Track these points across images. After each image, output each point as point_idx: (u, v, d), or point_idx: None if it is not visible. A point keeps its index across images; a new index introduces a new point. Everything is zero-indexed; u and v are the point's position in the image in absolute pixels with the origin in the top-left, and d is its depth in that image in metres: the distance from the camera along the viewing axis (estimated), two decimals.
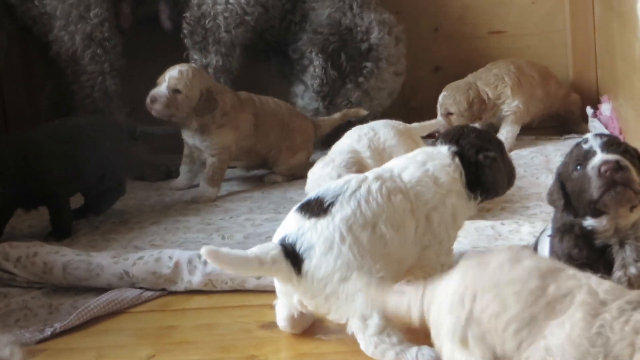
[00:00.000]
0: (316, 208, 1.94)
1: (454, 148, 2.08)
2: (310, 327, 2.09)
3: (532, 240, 2.31)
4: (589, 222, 1.86)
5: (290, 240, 1.90)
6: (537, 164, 3.19)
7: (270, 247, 1.90)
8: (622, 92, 3.05)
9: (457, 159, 2.07)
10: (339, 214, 1.91)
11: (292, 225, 1.94)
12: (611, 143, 1.87)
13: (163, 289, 2.39)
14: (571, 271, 1.66)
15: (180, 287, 2.37)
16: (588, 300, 1.56)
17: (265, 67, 3.56)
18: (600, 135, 1.91)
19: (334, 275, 1.87)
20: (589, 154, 1.85)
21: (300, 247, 1.89)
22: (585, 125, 3.46)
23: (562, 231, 1.93)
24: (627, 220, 1.87)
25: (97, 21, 3.38)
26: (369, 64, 3.43)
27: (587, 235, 1.87)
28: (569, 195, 1.90)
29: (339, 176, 2.36)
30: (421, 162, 2.06)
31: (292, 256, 1.88)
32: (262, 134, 3.25)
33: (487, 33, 3.70)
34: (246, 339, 2.11)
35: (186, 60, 3.49)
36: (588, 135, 1.91)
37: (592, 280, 1.62)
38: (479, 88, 3.38)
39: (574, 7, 3.63)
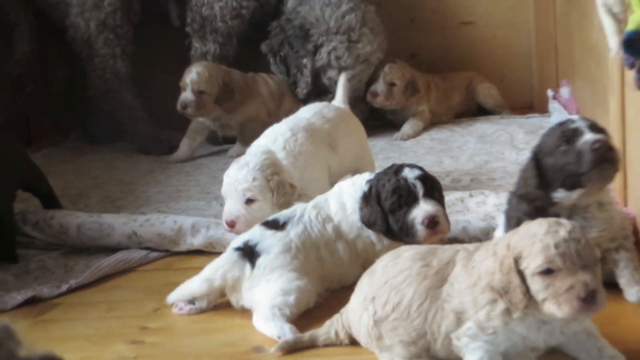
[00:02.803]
0: (274, 225, 2.04)
1: (364, 190, 2.08)
2: None
3: (496, 211, 2.31)
4: (559, 194, 1.85)
5: (252, 242, 2.00)
6: (503, 141, 3.19)
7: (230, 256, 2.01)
8: (580, 77, 3.05)
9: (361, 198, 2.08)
10: (293, 230, 2.02)
11: (256, 233, 2.03)
12: (597, 126, 1.85)
13: (167, 250, 2.39)
14: (445, 246, 1.73)
15: (183, 248, 2.38)
16: (464, 255, 1.64)
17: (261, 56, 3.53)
18: (584, 118, 1.90)
19: (288, 266, 1.97)
20: (577, 132, 1.83)
21: (260, 247, 1.99)
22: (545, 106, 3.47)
23: (523, 197, 1.92)
24: (591, 199, 1.88)
25: (110, 10, 3.37)
26: (313, 35, 3.34)
27: (545, 207, 1.86)
28: (543, 172, 1.88)
29: (254, 179, 2.27)
30: (338, 197, 2.11)
31: (250, 254, 1.98)
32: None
33: (458, 23, 3.70)
34: None
35: (188, 47, 3.49)
36: (573, 117, 1.91)
37: (465, 245, 1.71)
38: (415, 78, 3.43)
39: (537, 0, 3.63)
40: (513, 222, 1.87)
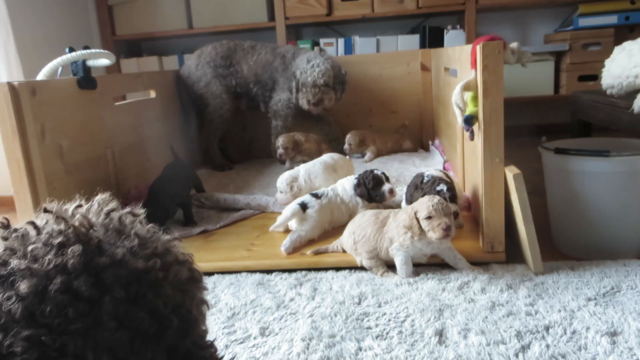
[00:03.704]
0: (316, 195, 1.99)
1: (355, 181, 2.05)
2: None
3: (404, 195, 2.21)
4: None
5: (305, 201, 1.95)
6: (409, 163, 3.10)
7: (294, 205, 1.96)
8: (444, 135, 3.02)
9: (354, 184, 2.04)
10: (324, 199, 1.97)
11: (308, 197, 1.98)
12: (441, 179, 1.80)
13: (262, 211, 2.37)
14: (385, 209, 1.71)
15: (269, 210, 2.36)
16: (394, 214, 1.62)
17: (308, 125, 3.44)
18: (440, 179, 1.81)
19: (319, 215, 1.93)
20: (434, 184, 1.79)
21: (308, 204, 1.95)
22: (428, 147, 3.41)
23: (410, 195, 1.87)
24: None
25: (229, 106, 3.29)
26: (296, 73, 3.01)
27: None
28: (411, 194, 1.84)
29: (282, 183, 2.21)
30: (342, 186, 2.07)
31: (303, 206, 1.93)
32: None
33: (390, 112, 3.64)
34: None
35: (269, 121, 3.37)
36: (428, 173, 1.83)
37: (395, 209, 1.69)
38: (365, 137, 3.32)
39: (424, 100, 3.56)
40: (408, 202, 1.86)
